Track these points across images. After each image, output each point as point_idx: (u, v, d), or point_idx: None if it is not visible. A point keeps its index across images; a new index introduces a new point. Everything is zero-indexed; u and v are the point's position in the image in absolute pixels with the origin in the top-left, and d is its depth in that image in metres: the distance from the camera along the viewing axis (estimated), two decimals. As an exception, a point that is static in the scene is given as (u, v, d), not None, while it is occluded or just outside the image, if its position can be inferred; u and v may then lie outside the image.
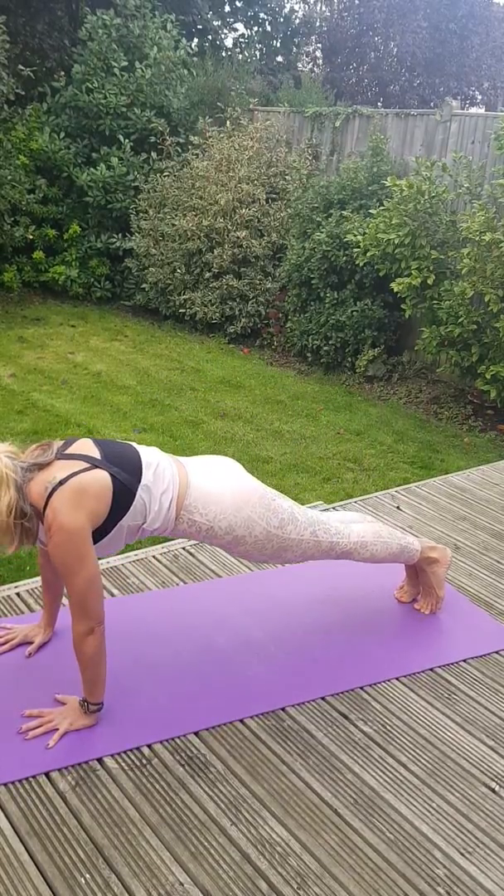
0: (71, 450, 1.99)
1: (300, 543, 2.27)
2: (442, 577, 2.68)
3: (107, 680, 2.06)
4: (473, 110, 12.42)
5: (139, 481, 2.01)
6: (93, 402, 5.64)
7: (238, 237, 7.17)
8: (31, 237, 7.94)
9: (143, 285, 7.84)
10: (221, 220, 7.24)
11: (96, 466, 1.95)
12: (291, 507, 2.26)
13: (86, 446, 2.01)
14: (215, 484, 2.14)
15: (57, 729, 2.03)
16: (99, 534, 1.98)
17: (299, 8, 13.80)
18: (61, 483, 1.88)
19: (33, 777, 1.91)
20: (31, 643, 2.34)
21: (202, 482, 2.12)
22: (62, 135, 8.15)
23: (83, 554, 1.90)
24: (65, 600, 2.41)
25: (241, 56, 11.24)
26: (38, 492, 1.90)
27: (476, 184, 5.69)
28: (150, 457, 2.09)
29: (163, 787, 1.92)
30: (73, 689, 2.14)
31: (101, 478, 1.94)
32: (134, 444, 2.12)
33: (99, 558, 2.00)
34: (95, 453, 1.99)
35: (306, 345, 6.81)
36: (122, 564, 2.86)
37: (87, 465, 1.94)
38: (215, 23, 12.06)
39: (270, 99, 9.58)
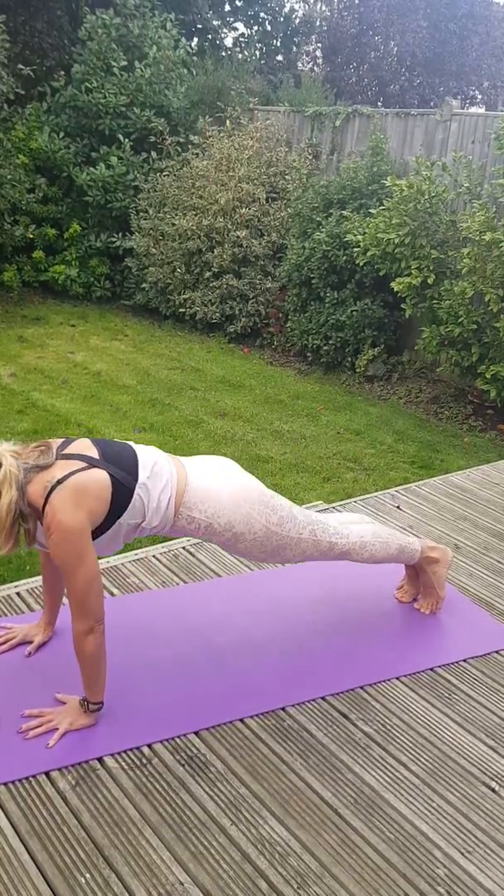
0: (69, 450, 2.00)
1: (299, 542, 2.27)
2: (443, 576, 2.68)
3: (107, 679, 2.06)
4: (473, 110, 12.42)
5: (136, 480, 2.02)
6: (93, 401, 5.64)
7: (238, 237, 7.17)
8: (30, 237, 7.94)
9: (143, 285, 7.83)
10: (221, 220, 7.24)
11: (94, 466, 1.96)
12: (290, 506, 2.27)
13: (84, 446, 2.02)
14: (213, 481, 2.14)
15: (57, 728, 2.03)
16: (98, 532, 1.99)
17: (299, 7, 13.84)
18: (60, 482, 1.90)
19: (33, 777, 1.91)
20: (30, 643, 2.34)
21: (200, 480, 2.13)
22: (62, 134, 8.15)
23: (82, 552, 1.90)
24: (65, 599, 2.41)
25: (240, 55, 11.23)
26: (37, 492, 1.91)
27: (476, 183, 5.69)
28: (147, 456, 2.09)
29: (163, 786, 1.92)
30: (74, 688, 2.14)
31: (100, 477, 1.95)
32: (132, 444, 2.13)
33: (98, 558, 2.01)
34: (94, 453, 2.00)
35: (306, 344, 6.81)
36: (122, 564, 2.86)
37: (85, 465, 1.95)
38: (215, 22, 12.04)
39: (270, 98, 9.57)
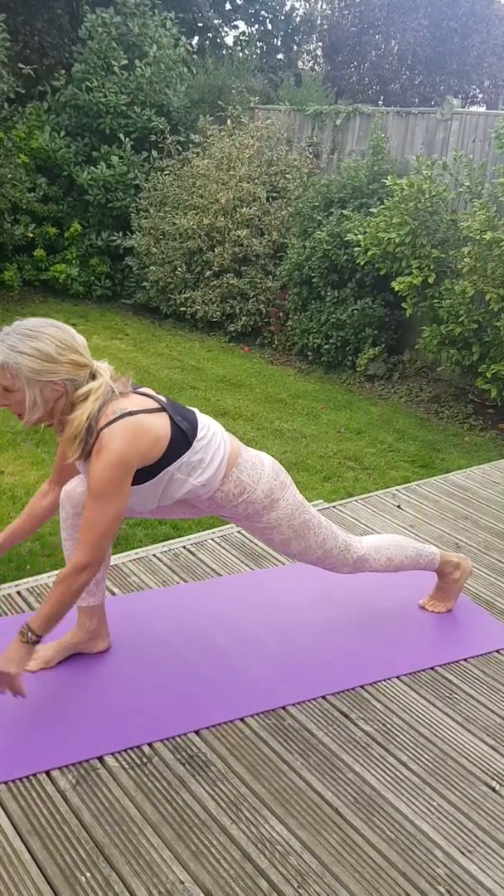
0: (143, 390, 2.05)
1: (320, 529, 2.29)
2: (459, 586, 2.68)
3: (109, 678, 2.06)
4: (474, 109, 12.41)
5: (195, 436, 2.06)
6: (93, 400, 5.64)
7: (239, 236, 7.16)
8: (31, 236, 7.94)
9: (144, 284, 7.83)
10: (222, 219, 7.24)
11: (164, 411, 2.00)
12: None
13: (153, 392, 2.08)
14: (256, 454, 2.26)
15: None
16: (143, 478, 1.99)
17: (300, 6, 13.82)
18: (127, 414, 1.92)
19: (34, 775, 1.91)
20: None
21: (247, 450, 2.23)
22: (62, 133, 8.15)
23: (119, 488, 1.91)
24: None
25: (241, 54, 11.22)
26: (105, 415, 1.92)
27: (477, 182, 5.69)
28: (205, 418, 2.16)
29: (163, 785, 1.92)
30: (73, 687, 2.14)
31: (164, 424, 1.99)
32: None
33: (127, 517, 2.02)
34: (162, 399, 2.06)
35: (307, 343, 6.81)
36: (123, 563, 2.86)
37: (156, 407, 1.99)
38: (216, 20, 12.03)
39: (271, 97, 9.56)
